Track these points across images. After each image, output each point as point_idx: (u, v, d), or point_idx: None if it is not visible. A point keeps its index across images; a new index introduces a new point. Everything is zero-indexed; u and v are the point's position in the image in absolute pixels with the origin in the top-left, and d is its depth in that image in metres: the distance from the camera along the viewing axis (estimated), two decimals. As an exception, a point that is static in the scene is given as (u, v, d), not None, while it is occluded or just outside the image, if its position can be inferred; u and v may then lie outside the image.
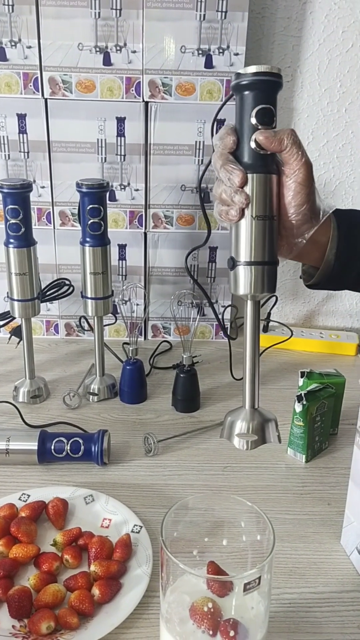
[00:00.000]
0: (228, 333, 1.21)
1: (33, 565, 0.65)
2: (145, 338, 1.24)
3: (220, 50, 1.01)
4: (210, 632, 0.47)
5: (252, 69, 0.54)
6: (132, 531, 0.69)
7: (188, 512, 0.52)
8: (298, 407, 0.83)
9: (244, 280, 0.57)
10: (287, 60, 1.12)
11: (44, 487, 0.77)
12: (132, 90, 1.04)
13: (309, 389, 0.84)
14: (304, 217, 0.58)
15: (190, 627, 0.48)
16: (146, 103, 1.05)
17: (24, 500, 0.74)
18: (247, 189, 0.55)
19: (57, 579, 0.63)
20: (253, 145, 0.55)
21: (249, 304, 0.57)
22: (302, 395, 0.82)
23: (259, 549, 0.51)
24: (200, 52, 1.01)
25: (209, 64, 1.02)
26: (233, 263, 0.57)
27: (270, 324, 1.23)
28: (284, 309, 1.29)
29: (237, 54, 1.02)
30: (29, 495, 0.75)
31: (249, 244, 0.56)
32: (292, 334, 1.13)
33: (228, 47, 1.01)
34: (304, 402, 0.82)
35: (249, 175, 0.55)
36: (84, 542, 0.67)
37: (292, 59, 1.12)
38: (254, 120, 0.55)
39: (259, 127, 0.55)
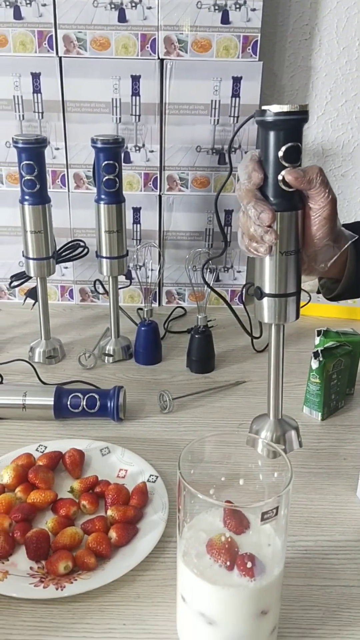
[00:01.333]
0: (243, 299, 1.21)
1: (51, 511, 0.66)
2: (159, 304, 1.23)
3: (237, 6, 0.99)
4: (228, 564, 0.47)
5: (281, 107, 0.54)
6: (148, 481, 0.70)
7: (205, 450, 0.52)
8: (314, 364, 0.82)
9: (269, 310, 0.60)
10: (305, 18, 1.10)
11: (61, 440, 0.78)
12: (147, 47, 1.02)
13: (325, 346, 0.84)
14: (326, 247, 0.61)
15: (207, 561, 0.48)
16: (161, 60, 1.03)
17: (40, 451, 0.75)
18: (275, 225, 0.56)
19: (74, 524, 0.64)
20: (280, 180, 0.56)
21: (274, 328, 0.61)
22: (319, 351, 0.82)
23: (276, 487, 0.51)
24: (216, 7, 0.99)
25: (225, 19, 1.00)
26: (260, 294, 0.59)
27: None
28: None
29: (254, 10, 1.00)
30: (45, 447, 0.75)
31: (275, 278, 0.58)
32: (310, 299, 1.12)
33: (245, 2, 0.99)
34: (321, 359, 0.81)
35: (277, 214, 0.56)
36: (100, 490, 0.68)
37: (310, 16, 1.10)
38: (281, 158, 0.55)
39: (286, 164, 0.55)
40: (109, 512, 0.64)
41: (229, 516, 0.50)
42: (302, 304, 1.11)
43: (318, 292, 0.75)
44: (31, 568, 0.59)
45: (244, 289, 1.21)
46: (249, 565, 0.46)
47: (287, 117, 0.54)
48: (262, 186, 0.57)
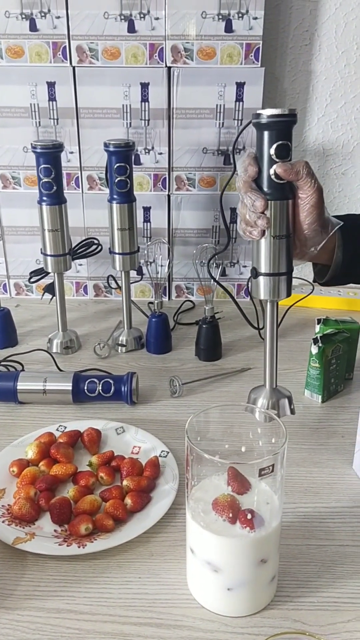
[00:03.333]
0: (250, 292, 1.26)
1: (72, 483, 0.73)
2: (169, 298, 1.29)
3: (240, 15, 1.06)
4: (230, 517, 0.53)
5: (272, 111, 0.63)
6: (160, 456, 0.76)
7: (209, 421, 0.58)
8: (314, 350, 0.88)
9: (264, 288, 0.68)
10: (305, 25, 1.16)
11: (79, 420, 0.84)
12: (156, 56, 1.09)
13: (324, 332, 0.89)
14: (315, 232, 0.69)
15: (213, 516, 0.54)
16: (169, 68, 1.09)
17: (60, 431, 0.81)
18: (267, 212, 0.65)
19: (93, 493, 0.70)
20: (272, 174, 0.64)
21: (269, 305, 0.68)
22: (318, 338, 0.88)
23: (274, 452, 0.57)
24: (220, 17, 1.06)
25: (229, 28, 1.06)
26: (256, 273, 0.68)
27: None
28: (303, 269, 1.33)
29: (256, 18, 1.06)
30: (65, 427, 0.82)
31: (268, 259, 0.66)
32: (313, 289, 1.18)
33: (247, 11, 1.05)
34: (320, 345, 0.87)
35: (269, 202, 0.65)
36: (116, 464, 0.74)
37: (310, 22, 1.16)
38: (272, 154, 0.64)
39: (277, 160, 0.64)
40: (125, 482, 0.70)
41: (232, 479, 0.56)
42: (302, 296, 1.19)
43: (314, 281, 0.82)
44: (55, 531, 0.66)
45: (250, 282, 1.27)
46: (249, 517, 0.52)
47: (278, 119, 0.62)
48: (257, 179, 0.65)
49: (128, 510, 0.67)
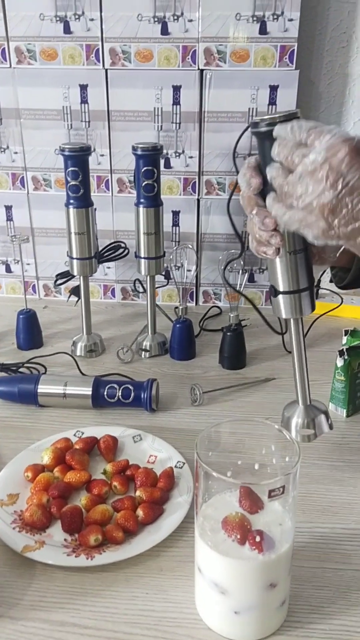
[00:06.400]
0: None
1: (85, 490, 0.72)
2: (196, 303, 1.28)
3: (275, 17, 1.03)
4: (239, 538, 0.51)
5: (272, 117, 0.55)
6: (176, 466, 0.74)
7: (221, 436, 0.56)
8: (340, 362, 0.85)
9: (285, 307, 0.63)
10: (343, 26, 1.13)
11: (97, 426, 0.84)
12: (188, 58, 1.07)
13: (351, 345, 0.86)
14: None
15: (222, 536, 0.52)
16: (201, 71, 1.08)
17: (78, 436, 0.80)
18: (279, 228, 0.58)
19: (106, 502, 0.69)
20: None
21: (293, 322, 0.64)
22: (344, 350, 0.85)
23: (288, 470, 0.54)
24: (255, 18, 1.04)
25: (263, 30, 1.04)
26: (275, 292, 0.63)
27: (321, 292, 1.25)
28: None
29: (291, 20, 1.03)
30: (82, 432, 0.81)
31: (286, 276, 0.61)
32: (342, 301, 1.14)
33: (282, 13, 1.03)
34: (346, 357, 0.84)
35: None
36: (131, 473, 0.73)
37: (348, 24, 1.12)
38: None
39: None
40: (138, 493, 0.69)
41: (244, 497, 0.55)
42: (333, 305, 1.15)
43: (331, 282, 0.78)
44: (65, 540, 0.65)
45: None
46: (258, 539, 0.50)
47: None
48: (265, 191, 0.58)
49: (139, 522, 0.66)
